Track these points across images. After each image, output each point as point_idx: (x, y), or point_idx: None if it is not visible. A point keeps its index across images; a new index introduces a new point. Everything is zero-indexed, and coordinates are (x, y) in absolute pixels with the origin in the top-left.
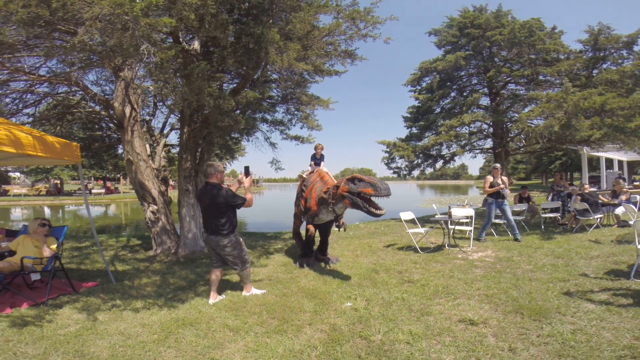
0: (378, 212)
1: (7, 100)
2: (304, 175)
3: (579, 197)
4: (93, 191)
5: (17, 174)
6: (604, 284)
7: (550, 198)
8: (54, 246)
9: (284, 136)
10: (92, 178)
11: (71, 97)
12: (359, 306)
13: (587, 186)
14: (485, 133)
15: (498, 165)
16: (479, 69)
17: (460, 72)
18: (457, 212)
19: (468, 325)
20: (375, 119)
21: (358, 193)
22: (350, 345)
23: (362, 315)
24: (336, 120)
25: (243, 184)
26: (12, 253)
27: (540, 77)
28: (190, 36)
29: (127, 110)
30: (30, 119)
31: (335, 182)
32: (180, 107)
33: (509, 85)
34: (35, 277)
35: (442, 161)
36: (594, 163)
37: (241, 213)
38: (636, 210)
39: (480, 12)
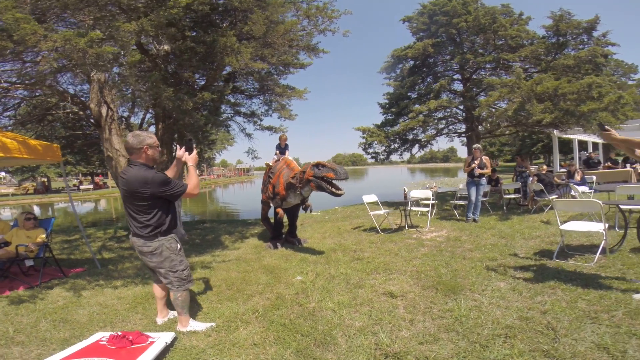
0: (339, 192)
1: None
2: (271, 164)
3: (535, 178)
4: (81, 187)
5: (3, 173)
6: (526, 263)
7: (515, 179)
8: (43, 236)
9: (258, 127)
10: (80, 174)
11: (49, 100)
12: (307, 280)
13: (544, 167)
14: (459, 118)
15: (477, 145)
16: (452, 55)
17: (435, 59)
18: (415, 194)
19: (388, 298)
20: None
21: (322, 177)
22: (286, 310)
23: (306, 287)
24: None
25: (185, 162)
26: (7, 244)
27: (507, 63)
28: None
29: (104, 110)
30: (12, 122)
31: (300, 168)
32: (148, 108)
33: (480, 71)
34: (29, 263)
35: (417, 145)
36: (570, 145)
37: (224, 201)
38: (588, 190)
39: None
